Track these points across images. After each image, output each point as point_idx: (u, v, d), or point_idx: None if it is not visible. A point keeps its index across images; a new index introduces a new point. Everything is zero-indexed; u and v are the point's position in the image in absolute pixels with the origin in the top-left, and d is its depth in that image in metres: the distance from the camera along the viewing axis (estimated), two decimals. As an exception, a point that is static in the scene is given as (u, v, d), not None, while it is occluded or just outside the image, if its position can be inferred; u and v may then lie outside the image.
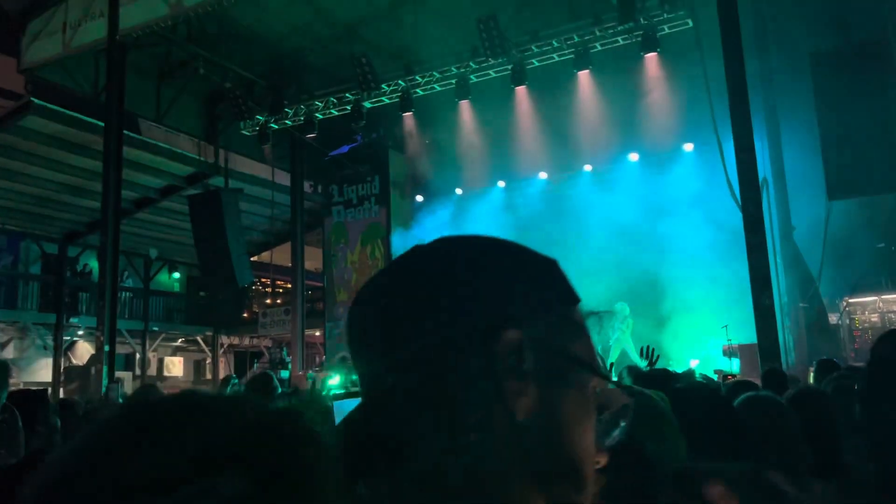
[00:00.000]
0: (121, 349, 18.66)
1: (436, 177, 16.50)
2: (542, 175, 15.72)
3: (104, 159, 12.54)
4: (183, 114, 16.17)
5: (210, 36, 14.18)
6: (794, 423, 2.10)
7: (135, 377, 20.16)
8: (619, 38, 12.08)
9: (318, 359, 20.05)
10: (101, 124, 13.05)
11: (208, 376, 22.96)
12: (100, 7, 13.03)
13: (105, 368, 11.62)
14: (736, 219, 9.14)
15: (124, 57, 13.08)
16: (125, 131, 13.55)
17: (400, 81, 13.90)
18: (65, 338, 19.19)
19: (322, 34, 14.51)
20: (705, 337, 12.38)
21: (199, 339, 22.76)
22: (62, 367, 18.80)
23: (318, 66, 15.21)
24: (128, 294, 20.39)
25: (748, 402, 2.16)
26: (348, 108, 14.48)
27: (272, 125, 15.23)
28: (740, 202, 8.81)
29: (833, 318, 11.60)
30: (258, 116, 15.23)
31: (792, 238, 11.57)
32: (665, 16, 11.51)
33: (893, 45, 10.53)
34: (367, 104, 14.37)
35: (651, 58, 12.24)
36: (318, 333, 19.49)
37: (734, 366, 10.92)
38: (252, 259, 21.04)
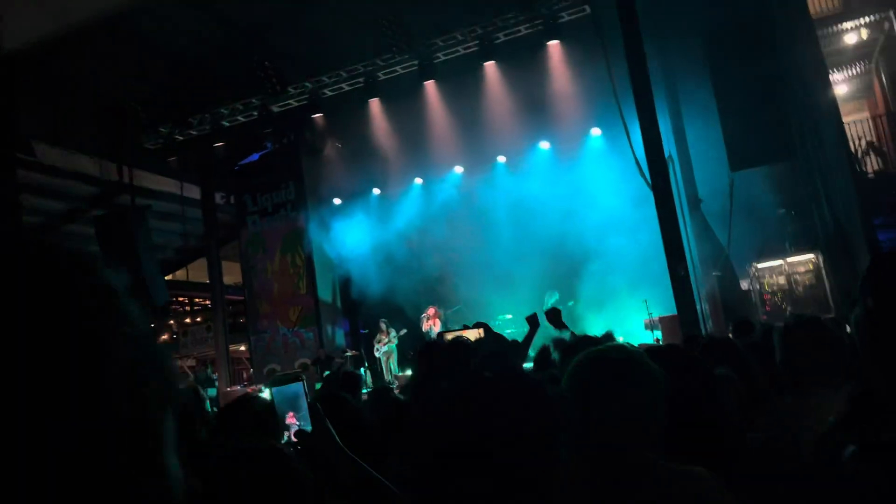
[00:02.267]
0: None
1: (352, 178, 16.34)
2: (458, 169, 15.80)
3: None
4: (81, 132, 15.43)
5: (106, 50, 13.58)
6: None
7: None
8: (521, 28, 12.26)
9: (244, 374, 19.57)
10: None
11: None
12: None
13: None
14: (647, 197, 9.44)
15: (11, 75, 12.36)
16: (19, 155, 12.82)
17: (306, 83, 13.69)
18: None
19: (223, 41, 14.12)
20: (627, 313, 12.73)
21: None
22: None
23: (222, 74, 14.80)
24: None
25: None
26: (255, 114, 14.16)
27: (177, 137, 14.74)
28: (649, 180, 9.10)
29: (744, 284, 12.13)
30: (161, 129, 14.70)
31: (700, 210, 12.03)
32: (563, 3, 11.74)
33: (778, 21, 11.10)
34: (274, 109, 14.10)
35: (554, 46, 12.49)
36: (242, 348, 19.02)
37: (657, 337, 11.27)
38: (167, 278, 20.33)
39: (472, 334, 4.57)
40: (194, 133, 14.76)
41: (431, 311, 14.53)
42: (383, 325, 14.91)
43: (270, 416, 2.31)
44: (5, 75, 12.04)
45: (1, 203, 11.73)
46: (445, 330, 13.58)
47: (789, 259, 11.63)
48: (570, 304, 13.36)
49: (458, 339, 2.07)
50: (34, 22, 11.98)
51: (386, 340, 14.73)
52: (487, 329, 2.99)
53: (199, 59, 14.46)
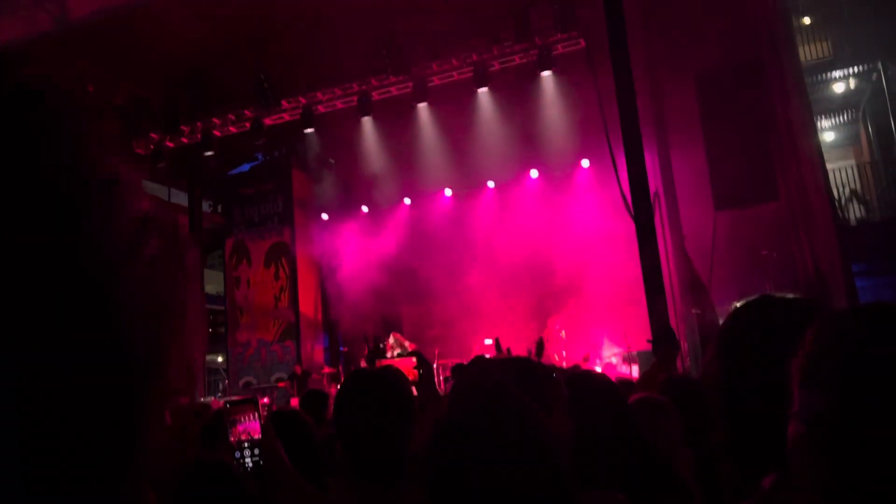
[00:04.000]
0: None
1: (341, 194, 16.36)
2: (447, 191, 15.86)
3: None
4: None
5: (97, 50, 13.56)
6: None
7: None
8: (515, 57, 12.38)
9: (220, 385, 19.38)
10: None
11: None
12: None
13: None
14: (632, 230, 9.51)
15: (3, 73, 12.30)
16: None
17: (301, 98, 13.74)
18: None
19: (221, 50, 14.15)
20: (607, 345, 12.76)
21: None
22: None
23: (217, 82, 14.82)
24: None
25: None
26: (247, 125, 14.17)
27: (167, 143, 14.70)
28: (633, 214, 9.16)
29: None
30: (151, 134, 14.67)
31: (682, 247, 12.11)
32: (559, 35, 11.88)
33: (767, 65, 11.27)
34: (267, 121, 14.12)
35: (547, 76, 12.62)
36: (220, 359, 18.85)
37: (634, 371, 11.28)
38: (149, 283, 20.18)
39: (406, 363, 4.56)
40: (185, 140, 14.73)
41: (391, 339, 14.00)
42: (392, 340, 14.54)
43: (221, 430, 2.31)
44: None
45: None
46: (376, 355, 13.34)
47: (769, 301, 11.68)
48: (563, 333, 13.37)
49: (387, 368, 2.06)
50: (29, 22, 11.98)
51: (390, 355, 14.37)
52: (421, 359, 2.99)
53: (195, 66, 14.47)
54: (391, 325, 15.32)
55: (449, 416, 1.22)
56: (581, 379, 2.01)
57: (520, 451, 1.12)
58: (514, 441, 1.13)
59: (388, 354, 13.70)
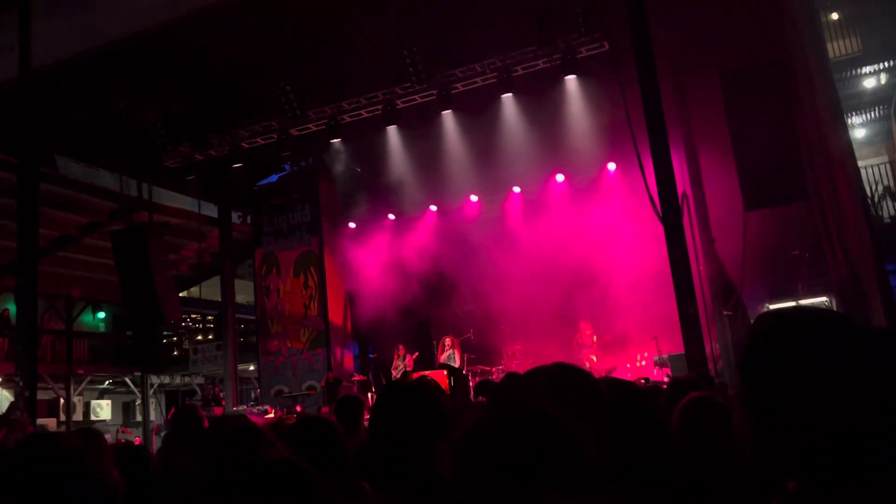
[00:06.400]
0: (43, 395, 17.78)
1: (367, 203, 16.47)
2: (473, 198, 15.88)
3: (18, 197, 12.04)
4: (103, 148, 15.70)
5: (129, 67, 13.86)
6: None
7: (59, 423, 19.22)
8: (539, 62, 12.39)
9: (252, 394, 19.58)
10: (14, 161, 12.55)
11: (138, 418, 22.09)
12: (8, 42, 12.57)
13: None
14: (661, 233, 9.44)
15: (37, 91, 12.64)
16: (42, 168, 13.05)
17: (326, 108, 13.88)
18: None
19: (247, 63, 14.36)
20: (638, 350, 12.67)
21: (127, 379, 21.89)
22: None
23: (244, 96, 15.03)
24: (50, 337, 19.50)
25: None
26: (274, 136, 14.35)
27: (196, 156, 14.95)
28: (661, 216, 9.11)
29: (756, 325, 12.03)
30: (181, 148, 14.92)
31: (712, 248, 12.00)
32: (582, 39, 11.85)
33: (794, 62, 11.15)
34: (293, 132, 14.28)
35: (571, 80, 12.61)
36: (251, 368, 19.06)
37: (663, 377, 11.19)
38: (181, 294, 20.47)
39: (438, 376, 4.57)
40: (213, 153, 14.95)
41: (448, 340, 14.25)
42: (401, 349, 14.73)
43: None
44: (32, 90, 12.32)
45: (21, 215, 11.92)
46: (409, 370, 13.56)
47: (802, 301, 11.54)
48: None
49: (424, 379, 2.09)
50: (62, 38, 12.27)
51: (401, 366, 14.53)
52: (454, 371, 3.01)
53: (223, 80, 14.70)
54: (422, 330, 15.38)
55: (482, 432, 1.24)
56: (611, 386, 2.02)
57: (558, 466, 1.15)
58: (552, 456, 1.16)
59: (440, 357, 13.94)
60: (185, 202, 16.97)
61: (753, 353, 1.15)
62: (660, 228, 9.45)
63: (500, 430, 1.23)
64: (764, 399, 1.10)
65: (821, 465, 1.06)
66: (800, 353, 1.08)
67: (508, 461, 1.17)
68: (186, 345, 21.23)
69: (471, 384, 12.12)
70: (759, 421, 1.11)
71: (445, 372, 11.09)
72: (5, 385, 18.53)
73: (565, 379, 1.53)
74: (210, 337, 22.67)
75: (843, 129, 11.14)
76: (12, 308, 17.37)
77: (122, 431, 17.96)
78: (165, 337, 22.90)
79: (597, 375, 1.98)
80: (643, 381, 9.85)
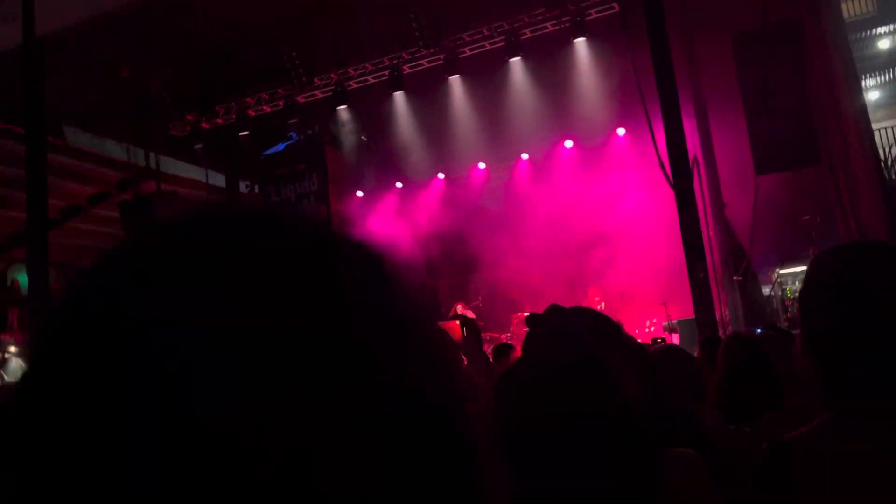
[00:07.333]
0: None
1: (375, 171, 16.41)
2: (481, 165, 15.78)
3: (26, 167, 12.03)
4: (109, 117, 15.62)
5: (134, 34, 13.73)
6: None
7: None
8: (548, 25, 12.21)
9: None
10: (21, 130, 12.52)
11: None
12: (10, 10, 12.46)
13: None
14: (671, 198, 9.37)
15: (42, 60, 12.56)
16: (49, 138, 13.02)
17: (332, 75, 13.76)
18: (-5, 356, 18.36)
19: (253, 30, 14.20)
20: (647, 315, 12.68)
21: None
22: (-6, 387, 17.98)
23: (250, 63, 14.89)
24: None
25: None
26: (280, 104, 14.26)
27: (203, 125, 14.88)
28: (672, 181, 9.03)
29: (765, 290, 12.00)
30: (188, 117, 14.86)
31: (723, 213, 11.92)
32: (591, 0, 11.67)
33: (807, 24, 10.94)
34: (300, 99, 14.18)
35: (581, 43, 12.43)
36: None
37: (675, 341, 11.20)
38: (190, 264, 20.53)
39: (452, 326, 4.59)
40: (220, 122, 14.88)
41: (460, 306, 14.25)
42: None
43: None
44: (38, 58, 12.24)
45: (30, 185, 11.93)
46: None
47: (812, 267, 11.47)
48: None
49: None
50: (65, 5, 12.15)
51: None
52: (466, 321, 3.04)
53: (228, 47, 14.55)
54: (431, 298, 15.39)
55: (527, 368, 1.23)
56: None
57: (599, 404, 1.13)
58: (594, 394, 1.14)
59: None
60: (193, 172, 16.91)
61: (815, 287, 1.22)
62: (670, 194, 9.38)
63: (555, 367, 1.22)
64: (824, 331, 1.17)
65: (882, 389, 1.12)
66: (860, 282, 1.11)
67: (556, 390, 1.16)
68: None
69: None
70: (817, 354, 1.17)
71: (458, 322, 11.13)
72: (19, 354, 18.72)
73: (604, 322, 1.58)
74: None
75: (858, 91, 10.98)
76: (21, 279, 17.50)
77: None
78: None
79: None
80: (661, 340, 9.99)
